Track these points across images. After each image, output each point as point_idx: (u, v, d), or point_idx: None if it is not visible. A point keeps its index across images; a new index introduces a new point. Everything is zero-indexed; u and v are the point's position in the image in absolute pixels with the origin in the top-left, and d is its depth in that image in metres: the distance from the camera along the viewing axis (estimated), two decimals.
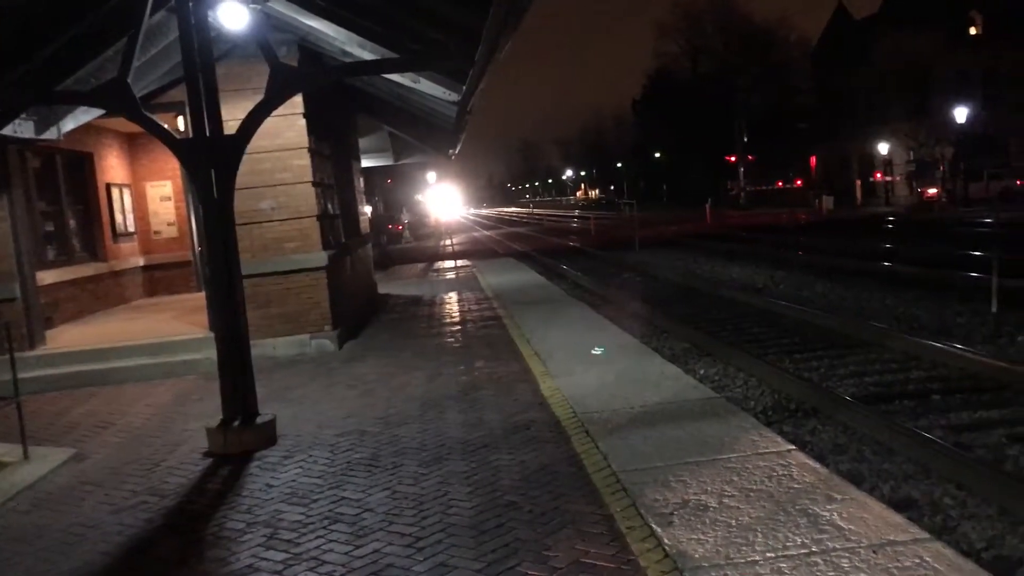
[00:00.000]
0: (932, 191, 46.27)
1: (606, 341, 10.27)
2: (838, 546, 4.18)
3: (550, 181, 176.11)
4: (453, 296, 16.77)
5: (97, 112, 10.28)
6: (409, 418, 7.48)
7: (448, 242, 34.92)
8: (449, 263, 25.85)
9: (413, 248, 39.62)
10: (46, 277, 11.93)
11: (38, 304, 11.16)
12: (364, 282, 16.13)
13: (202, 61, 7.10)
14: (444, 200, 48.18)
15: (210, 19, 7.33)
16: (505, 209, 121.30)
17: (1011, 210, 31.06)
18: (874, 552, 4.08)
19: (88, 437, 7.84)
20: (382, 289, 18.97)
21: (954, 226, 30.07)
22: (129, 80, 7.13)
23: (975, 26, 51.70)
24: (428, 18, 8.48)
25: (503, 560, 4.42)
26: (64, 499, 6.14)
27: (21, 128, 9.70)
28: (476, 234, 56.46)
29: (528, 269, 22.63)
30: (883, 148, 52.40)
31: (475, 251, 34.91)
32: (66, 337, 11.58)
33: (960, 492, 6.01)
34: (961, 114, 42.50)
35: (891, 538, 4.21)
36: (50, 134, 10.37)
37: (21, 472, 6.76)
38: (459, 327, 12.54)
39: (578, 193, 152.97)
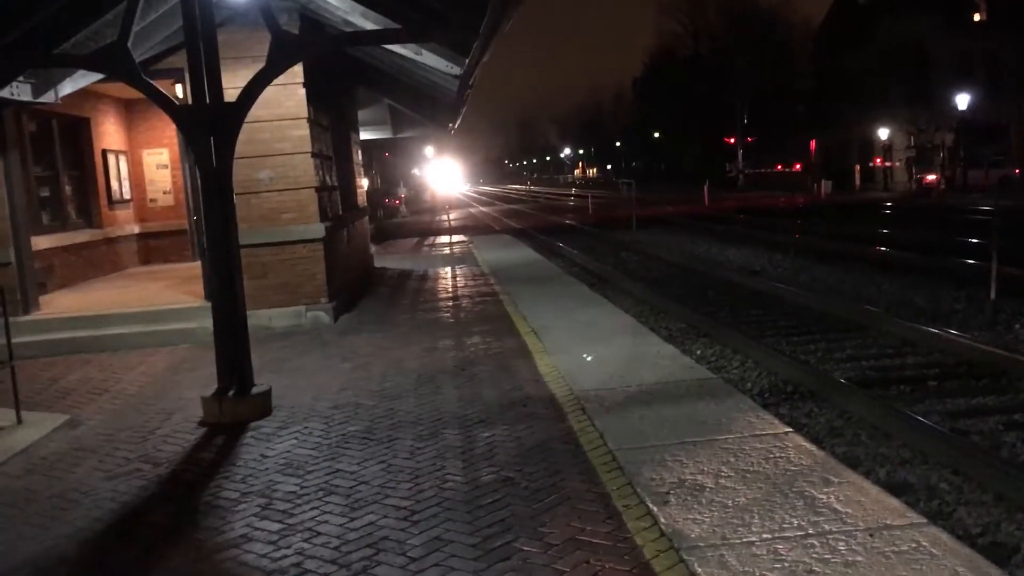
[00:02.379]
0: (931, 177, 46.21)
1: (603, 320, 10.25)
2: (835, 529, 4.17)
3: (548, 159, 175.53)
4: (449, 271, 16.72)
5: (95, 76, 10.15)
6: (404, 392, 7.46)
7: (445, 217, 34.84)
8: (446, 238, 25.77)
9: (410, 222, 39.51)
10: (41, 242, 11.85)
11: (32, 269, 11.10)
12: (361, 255, 16.08)
13: (203, 27, 7.00)
14: (442, 175, 47.99)
15: None
16: (501, 187, 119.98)
17: (1010, 198, 31.04)
18: (871, 535, 4.07)
19: (82, 403, 7.80)
20: (378, 262, 18.92)
21: (952, 213, 30.06)
22: (129, 44, 7.03)
23: (978, 12, 51.42)
24: None
25: (498, 535, 4.41)
26: (57, 465, 6.11)
27: (18, 90, 9.60)
28: (473, 210, 56.32)
29: (525, 246, 22.58)
30: (883, 133, 52.28)
31: (472, 227, 34.83)
32: (60, 303, 11.53)
33: (956, 478, 6.01)
34: (962, 101, 42.34)
35: (888, 522, 4.21)
36: (47, 97, 10.26)
37: (14, 437, 6.73)
38: (455, 302, 12.51)
39: (576, 171, 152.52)
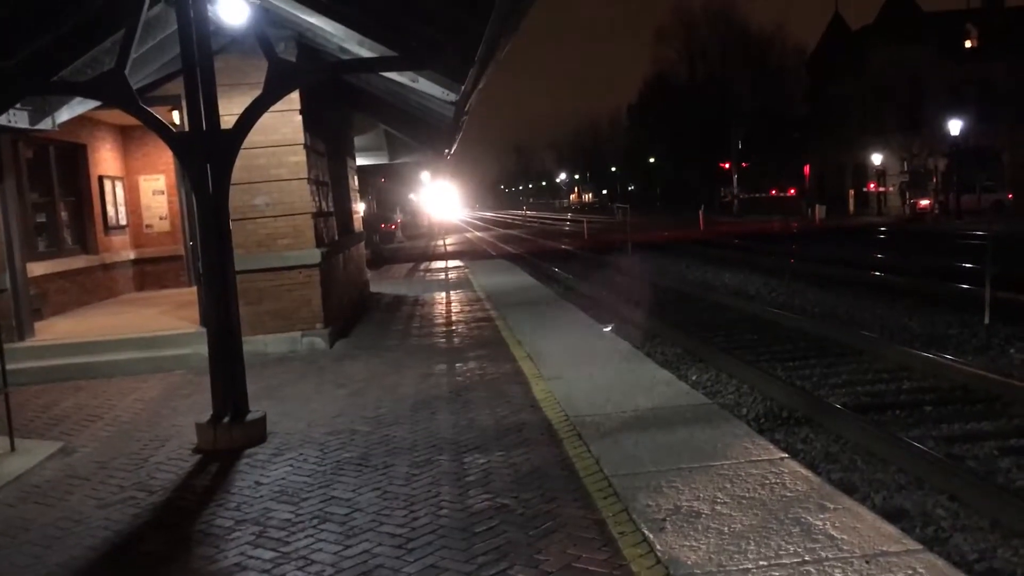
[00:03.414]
0: (925, 202, 46.45)
1: (598, 345, 10.25)
2: (831, 556, 4.16)
3: (544, 183, 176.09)
4: (445, 296, 16.73)
5: (92, 103, 10.21)
6: (400, 418, 7.44)
7: (441, 243, 34.88)
8: (442, 263, 25.80)
9: (406, 248, 39.58)
10: (36, 269, 11.86)
11: (28, 296, 11.09)
12: (356, 280, 16.09)
13: (200, 55, 7.05)
14: (439, 201, 48.08)
15: (209, 13, 7.28)
16: (495, 213, 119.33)
17: (1003, 222, 31.19)
18: (867, 562, 4.06)
19: (76, 431, 7.77)
20: (374, 288, 18.93)
21: (946, 238, 30.19)
22: (126, 72, 7.08)
23: (970, 39, 51.91)
24: (428, 17, 8.44)
25: (494, 563, 4.39)
26: (51, 493, 6.08)
27: (16, 118, 9.64)
28: (469, 235, 56.41)
29: (520, 271, 22.61)
30: (876, 158, 52.55)
31: (468, 252, 34.87)
32: (55, 329, 11.51)
33: (952, 504, 6.00)
34: (955, 126, 42.62)
35: (884, 549, 4.20)
36: (44, 124, 10.30)
37: (8, 465, 6.70)
38: (451, 328, 12.50)
39: (572, 196, 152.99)
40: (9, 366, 7.80)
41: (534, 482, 5.55)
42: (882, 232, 36.75)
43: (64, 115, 10.57)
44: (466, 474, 5.81)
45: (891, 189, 53.55)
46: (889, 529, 4.46)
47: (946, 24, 51.45)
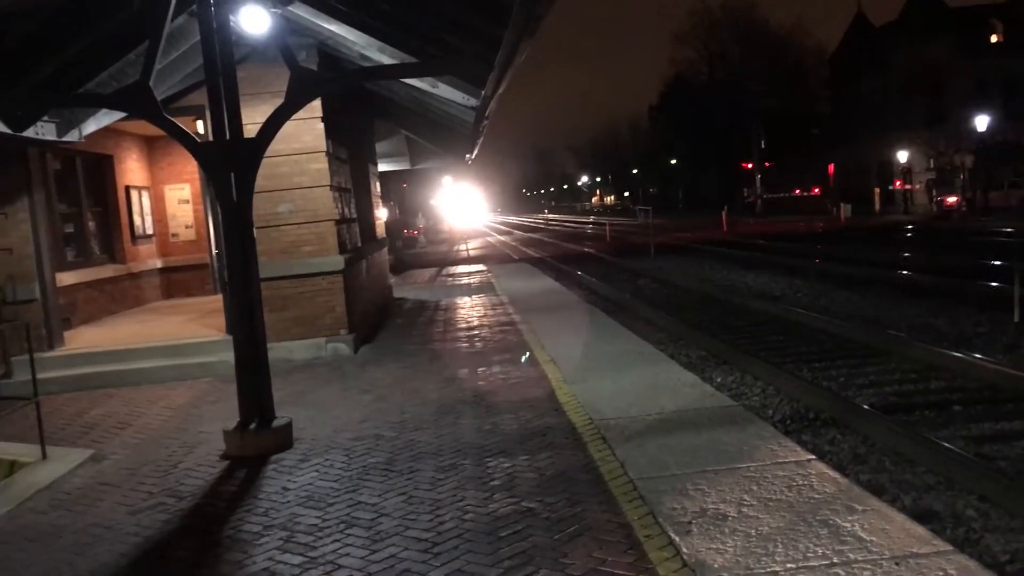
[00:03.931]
0: (952, 200, 45.91)
1: (622, 348, 10.23)
2: (860, 558, 4.13)
3: (565, 187, 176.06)
4: (468, 301, 16.76)
5: (118, 115, 10.33)
6: (424, 423, 7.47)
7: (463, 247, 34.96)
8: (464, 268, 25.86)
9: (429, 252, 39.67)
10: (65, 278, 12.01)
11: (57, 305, 11.23)
12: (379, 286, 16.15)
13: (223, 65, 7.12)
14: (461, 205, 48.16)
15: (231, 23, 7.36)
16: (518, 218, 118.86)
17: None
18: (897, 564, 4.03)
19: (106, 438, 7.86)
20: (397, 293, 19.00)
21: (974, 235, 29.85)
22: (151, 83, 7.16)
23: (996, 33, 51.38)
24: (448, 23, 8.49)
25: (520, 567, 4.40)
26: (82, 499, 6.15)
27: (43, 130, 9.77)
28: (491, 239, 56.47)
29: (543, 275, 22.60)
30: (902, 156, 52.11)
31: (490, 256, 34.90)
32: (84, 338, 11.64)
33: (983, 504, 5.93)
34: (981, 122, 42.18)
35: (914, 550, 4.16)
36: (71, 136, 10.43)
37: (39, 472, 6.79)
38: (474, 332, 12.52)
39: (593, 199, 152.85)
40: (39, 375, 7.92)
41: (559, 486, 5.55)
42: (909, 230, 36.39)
43: (90, 126, 10.70)
44: (491, 478, 5.82)
45: (917, 187, 53.06)
46: (919, 530, 4.42)
47: (970, 19, 51.00)
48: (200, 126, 11.05)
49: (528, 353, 10.31)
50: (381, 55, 10.12)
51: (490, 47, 7.26)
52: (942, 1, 55.49)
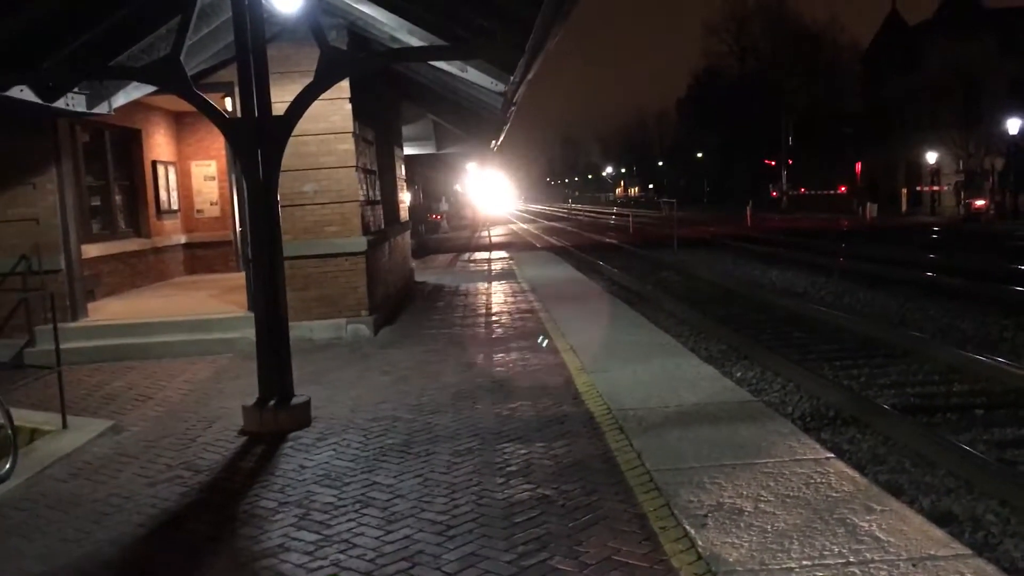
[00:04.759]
0: (980, 202, 45.31)
1: (642, 339, 10.20)
2: (876, 558, 4.09)
3: (590, 177, 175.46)
4: (489, 287, 16.76)
5: (148, 89, 10.38)
6: (442, 407, 7.48)
7: (486, 234, 34.94)
8: (486, 255, 25.85)
9: (451, 238, 39.69)
10: (90, 250, 12.11)
11: (82, 277, 11.33)
12: (401, 269, 16.18)
13: (253, 42, 7.13)
14: (486, 192, 48.06)
15: (263, 1, 7.35)
16: (545, 207, 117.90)
17: None
18: (914, 566, 3.99)
19: (126, 410, 7.93)
20: (419, 277, 19.03)
21: (1002, 239, 29.50)
22: (182, 58, 7.18)
23: None
24: (479, 6, 8.45)
25: (534, 553, 4.39)
26: (101, 469, 6.21)
27: (74, 101, 9.83)
28: (514, 227, 56.44)
29: (565, 264, 22.56)
30: (931, 157, 51.49)
31: (513, 244, 34.88)
32: (107, 310, 11.74)
33: (1003, 509, 5.86)
34: (1013, 125, 41.59)
35: (931, 552, 4.12)
36: (101, 108, 10.49)
37: (60, 441, 6.86)
38: (494, 318, 12.52)
39: (617, 190, 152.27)
40: (62, 345, 7.99)
41: (575, 474, 5.54)
42: (935, 232, 36.01)
43: (120, 100, 10.75)
44: (507, 464, 5.82)
45: (945, 188, 52.41)
46: (937, 533, 4.37)
47: (1007, 19, 50.13)
48: (228, 103, 11.08)
49: (547, 340, 10.29)
50: (411, 37, 10.09)
51: (522, 30, 7.21)
52: (978, 1, 54.65)
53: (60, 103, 9.42)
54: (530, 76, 9.62)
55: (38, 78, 8.78)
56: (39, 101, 9.02)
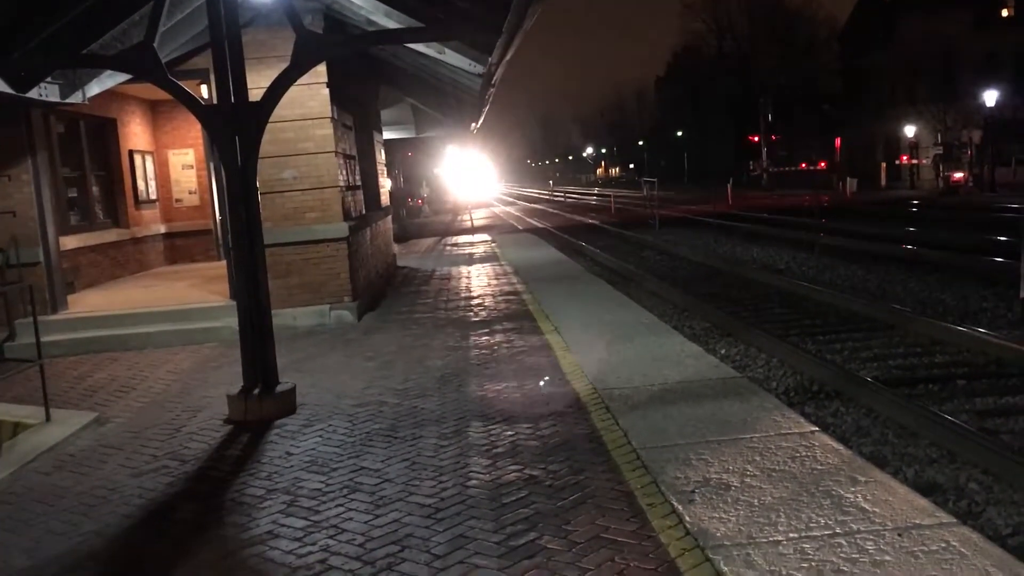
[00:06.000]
0: (958, 175, 45.60)
1: (626, 318, 10.22)
2: (863, 528, 4.13)
3: (571, 158, 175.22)
4: (472, 270, 16.73)
5: (122, 77, 10.26)
6: (428, 390, 7.47)
7: (467, 217, 34.88)
8: (468, 238, 25.80)
9: (433, 222, 39.55)
10: (68, 242, 11.99)
11: (61, 269, 11.22)
12: (384, 254, 16.13)
13: (228, 28, 7.04)
14: (466, 175, 47.83)
15: None
16: (525, 189, 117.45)
17: None
18: (899, 535, 4.03)
19: (109, 401, 7.88)
20: (401, 262, 18.98)
21: (980, 211, 29.71)
22: (156, 45, 7.09)
23: (1006, 7, 50.79)
24: None
25: (522, 533, 4.40)
26: (85, 462, 6.17)
27: (46, 91, 9.70)
28: (496, 210, 56.33)
29: (547, 245, 22.56)
30: (909, 131, 51.74)
31: (495, 226, 34.82)
32: (88, 302, 11.65)
33: (986, 477, 5.94)
34: (990, 97, 41.81)
35: (916, 522, 4.16)
36: (75, 98, 10.36)
37: (43, 434, 6.81)
38: (478, 301, 12.51)
39: (599, 171, 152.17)
40: (43, 338, 7.92)
41: (562, 454, 5.55)
42: (914, 205, 36.22)
43: (94, 88, 10.62)
44: (494, 446, 5.83)
45: (924, 162, 52.71)
46: (922, 502, 4.41)
47: None
48: (204, 90, 10.97)
49: (532, 323, 10.29)
50: (388, 20, 10.00)
51: (499, 10, 7.17)
52: None
53: (33, 93, 9.29)
54: (508, 56, 9.57)
55: (9, 67, 8.64)
56: (11, 91, 8.88)
